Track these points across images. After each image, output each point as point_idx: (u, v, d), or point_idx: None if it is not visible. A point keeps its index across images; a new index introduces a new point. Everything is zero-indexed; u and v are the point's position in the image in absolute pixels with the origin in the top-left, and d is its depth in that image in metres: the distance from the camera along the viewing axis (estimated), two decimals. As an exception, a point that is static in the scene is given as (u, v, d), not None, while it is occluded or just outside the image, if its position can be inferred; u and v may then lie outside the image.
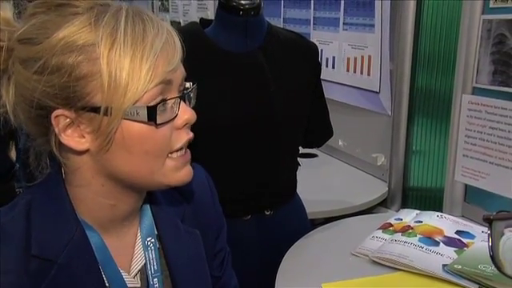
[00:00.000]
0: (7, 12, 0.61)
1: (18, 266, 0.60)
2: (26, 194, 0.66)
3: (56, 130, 0.60)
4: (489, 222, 0.59)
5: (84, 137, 0.60)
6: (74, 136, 0.60)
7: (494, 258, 0.60)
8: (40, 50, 0.58)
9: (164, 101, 0.60)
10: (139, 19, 0.59)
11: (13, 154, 1.32)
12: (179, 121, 0.63)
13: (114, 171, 0.62)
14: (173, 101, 0.62)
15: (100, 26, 0.58)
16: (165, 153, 0.63)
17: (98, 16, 0.58)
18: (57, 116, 0.59)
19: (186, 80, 0.66)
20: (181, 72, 0.64)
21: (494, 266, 0.99)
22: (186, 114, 0.63)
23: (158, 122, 0.60)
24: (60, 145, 0.62)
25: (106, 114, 0.58)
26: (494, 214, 0.59)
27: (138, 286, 0.69)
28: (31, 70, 0.58)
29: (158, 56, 0.59)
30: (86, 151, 0.61)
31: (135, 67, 0.57)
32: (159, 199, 0.72)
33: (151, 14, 0.61)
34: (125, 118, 0.59)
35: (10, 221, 0.62)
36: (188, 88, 0.66)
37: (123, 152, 0.60)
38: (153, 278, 0.69)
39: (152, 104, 0.59)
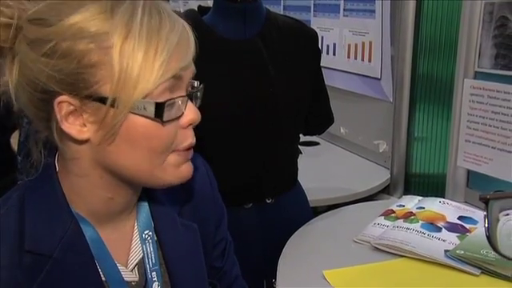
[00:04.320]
0: None
1: (11, 262, 0.59)
2: (20, 187, 0.65)
3: (58, 116, 0.58)
4: (485, 201, 0.58)
5: (86, 126, 0.59)
6: (75, 124, 0.59)
7: (490, 239, 0.60)
8: (51, 33, 0.56)
9: (173, 98, 0.59)
10: (156, 11, 0.58)
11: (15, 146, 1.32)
12: (184, 120, 0.61)
13: (114, 164, 0.61)
14: (181, 99, 0.60)
15: (116, 14, 0.56)
16: (169, 150, 0.61)
17: (114, 4, 0.56)
18: (60, 102, 0.57)
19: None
20: (191, 70, 0.62)
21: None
22: (191, 113, 0.62)
23: (164, 119, 0.58)
24: (61, 132, 0.60)
25: (112, 105, 0.56)
26: (491, 193, 0.59)
27: (136, 279, 0.68)
28: (39, 52, 0.56)
29: (172, 51, 0.57)
30: (87, 141, 0.60)
31: (148, 60, 0.56)
32: (157, 193, 0.71)
33: (167, 7, 0.60)
34: (131, 112, 0.57)
35: (3, 216, 0.61)
36: (196, 87, 0.64)
37: (126, 146, 0.59)
38: (151, 272, 0.68)
39: (160, 100, 0.57)
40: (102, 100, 0.57)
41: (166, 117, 0.58)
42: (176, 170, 0.63)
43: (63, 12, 0.56)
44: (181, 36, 0.59)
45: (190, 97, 0.63)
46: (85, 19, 0.55)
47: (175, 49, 0.58)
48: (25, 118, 1.15)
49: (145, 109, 0.57)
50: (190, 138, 0.63)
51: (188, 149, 0.63)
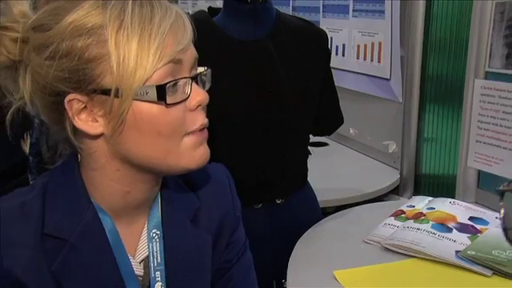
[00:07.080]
0: (24, 5, 0.62)
1: (35, 243, 0.62)
2: (45, 175, 0.67)
3: (70, 114, 0.60)
4: (501, 193, 0.58)
5: (97, 121, 0.61)
6: (87, 120, 0.61)
7: (506, 231, 0.59)
8: (51, 36, 0.59)
9: (174, 81, 0.60)
10: (147, 1, 0.60)
11: (26, 147, 1.33)
12: (192, 102, 0.62)
13: (128, 154, 0.62)
14: (184, 81, 0.61)
15: (108, 8, 0.58)
16: (179, 134, 0.62)
17: None
18: (70, 100, 0.60)
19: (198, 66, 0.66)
20: (192, 53, 0.63)
21: (508, 252, 0.98)
22: (198, 95, 0.63)
23: (168, 101, 0.59)
24: (75, 130, 0.62)
25: (116, 95, 0.58)
26: (505, 184, 0.58)
27: (142, 274, 0.69)
28: (43, 56, 0.59)
29: (166, 35, 0.59)
30: (101, 135, 0.62)
31: (143, 47, 0.58)
32: (172, 194, 0.72)
33: None
34: (135, 99, 0.59)
35: (30, 200, 0.64)
36: (201, 72, 0.66)
37: (136, 134, 0.61)
38: (155, 271, 0.69)
39: (161, 83, 0.59)
40: (106, 92, 0.59)
41: (169, 100, 0.60)
42: (192, 153, 0.63)
43: (60, 14, 0.59)
44: (175, 21, 0.60)
45: (195, 79, 0.63)
46: (80, 17, 0.58)
47: (169, 33, 0.59)
48: (35, 120, 1.16)
49: (147, 94, 0.59)
50: (200, 119, 0.64)
51: (201, 130, 0.64)
